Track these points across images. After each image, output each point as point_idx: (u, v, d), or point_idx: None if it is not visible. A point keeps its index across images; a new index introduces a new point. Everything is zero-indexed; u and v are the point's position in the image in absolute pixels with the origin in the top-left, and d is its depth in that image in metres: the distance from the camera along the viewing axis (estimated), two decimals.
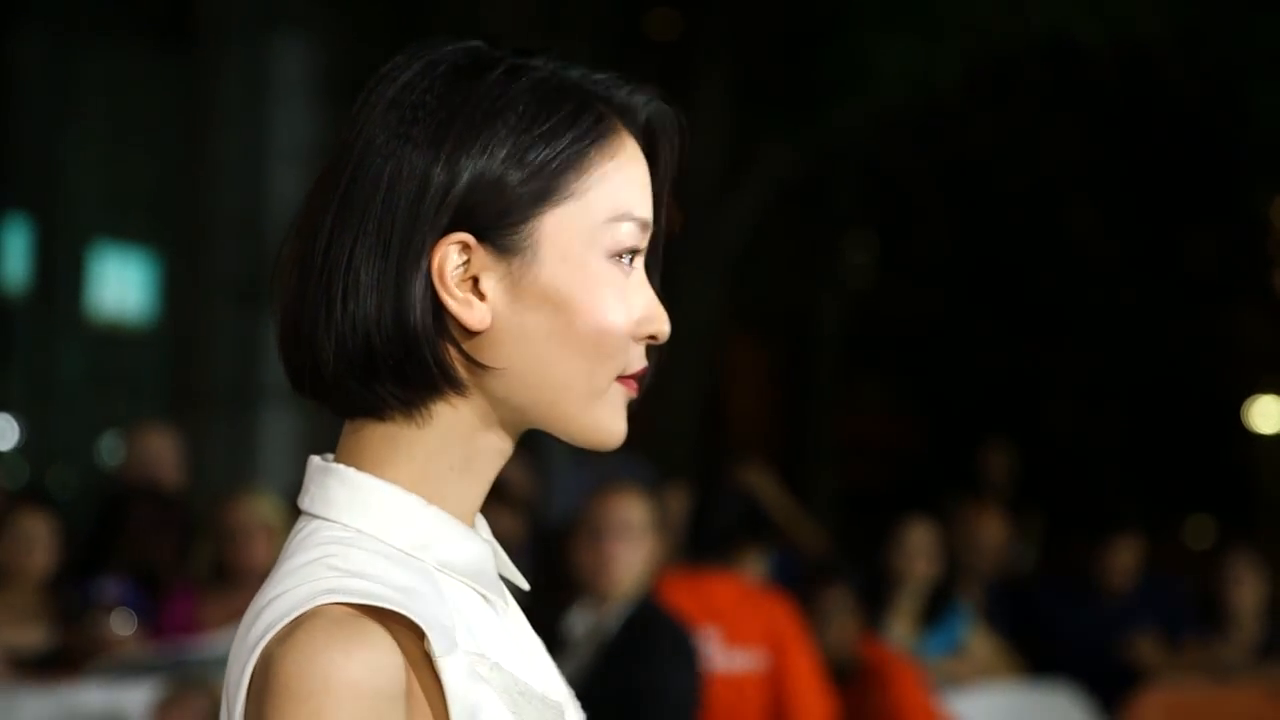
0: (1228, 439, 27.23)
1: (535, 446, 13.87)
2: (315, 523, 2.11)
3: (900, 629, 8.93)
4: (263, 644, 1.97)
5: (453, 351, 2.10)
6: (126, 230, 24.01)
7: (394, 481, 2.12)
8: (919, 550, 9.12)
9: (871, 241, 24.77)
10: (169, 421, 11.60)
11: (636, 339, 2.16)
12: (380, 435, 2.13)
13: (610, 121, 2.14)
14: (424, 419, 2.12)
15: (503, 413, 2.14)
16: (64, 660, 8.06)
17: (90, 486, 14.15)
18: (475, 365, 2.11)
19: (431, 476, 2.13)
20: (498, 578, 2.22)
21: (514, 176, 2.08)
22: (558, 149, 2.09)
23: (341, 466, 2.14)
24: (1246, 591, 9.95)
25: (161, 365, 20.52)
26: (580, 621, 7.05)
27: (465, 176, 2.07)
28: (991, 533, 10.59)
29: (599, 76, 2.16)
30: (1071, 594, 10.22)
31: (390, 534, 2.09)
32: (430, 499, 2.12)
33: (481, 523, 2.22)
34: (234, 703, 2.01)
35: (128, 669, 7.79)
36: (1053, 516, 13.44)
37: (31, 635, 7.88)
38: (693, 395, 15.57)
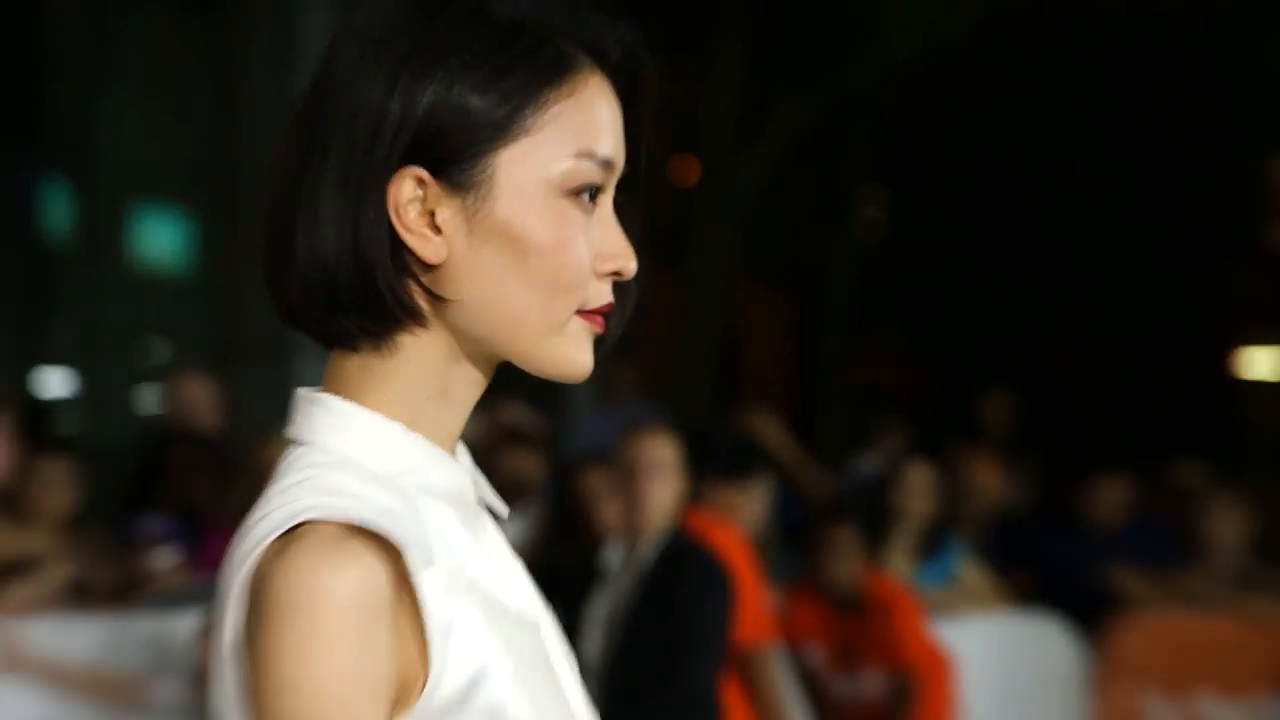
0: (1219, 386, 27.23)
1: (558, 394, 14.02)
2: (301, 449, 2.15)
3: (898, 562, 9.17)
4: (250, 559, 2.00)
5: (411, 285, 2.11)
6: (164, 189, 24.00)
7: (375, 409, 2.15)
8: (918, 490, 9.35)
9: (882, 196, 24.52)
10: (207, 370, 11.72)
11: (598, 274, 2.15)
12: (358, 366, 2.16)
13: (572, 59, 2.12)
14: (393, 350, 2.14)
15: (467, 345, 2.15)
16: (113, 592, 8.23)
17: (135, 432, 14.35)
18: (434, 298, 2.12)
19: (409, 405, 2.15)
20: (475, 502, 2.25)
21: (469, 112, 2.08)
22: (513, 85, 2.08)
23: (325, 395, 2.17)
24: (1226, 527, 10.13)
25: (200, 317, 20.67)
26: (616, 555, 7.22)
27: (420, 111, 2.07)
28: (988, 475, 10.80)
29: (570, 16, 2.14)
30: (1061, 529, 10.40)
31: (371, 458, 2.12)
32: (410, 426, 2.15)
33: (462, 450, 2.25)
34: (223, 615, 2.04)
35: (172, 599, 7.97)
36: (1049, 458, 13.52)
37: (60, 571, 7.95)
38: (709, 347, 15.62)
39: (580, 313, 2.13)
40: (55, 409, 22.01)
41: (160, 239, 24.40)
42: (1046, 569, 10.17)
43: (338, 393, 2.16)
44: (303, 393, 2.19)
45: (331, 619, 1.93)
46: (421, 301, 2.11)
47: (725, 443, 8.69)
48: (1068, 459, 11.11)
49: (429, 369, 2.15)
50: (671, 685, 6.87)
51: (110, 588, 8.32)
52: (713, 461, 8.21)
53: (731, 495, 8.22)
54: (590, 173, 2.11)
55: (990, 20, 13.21)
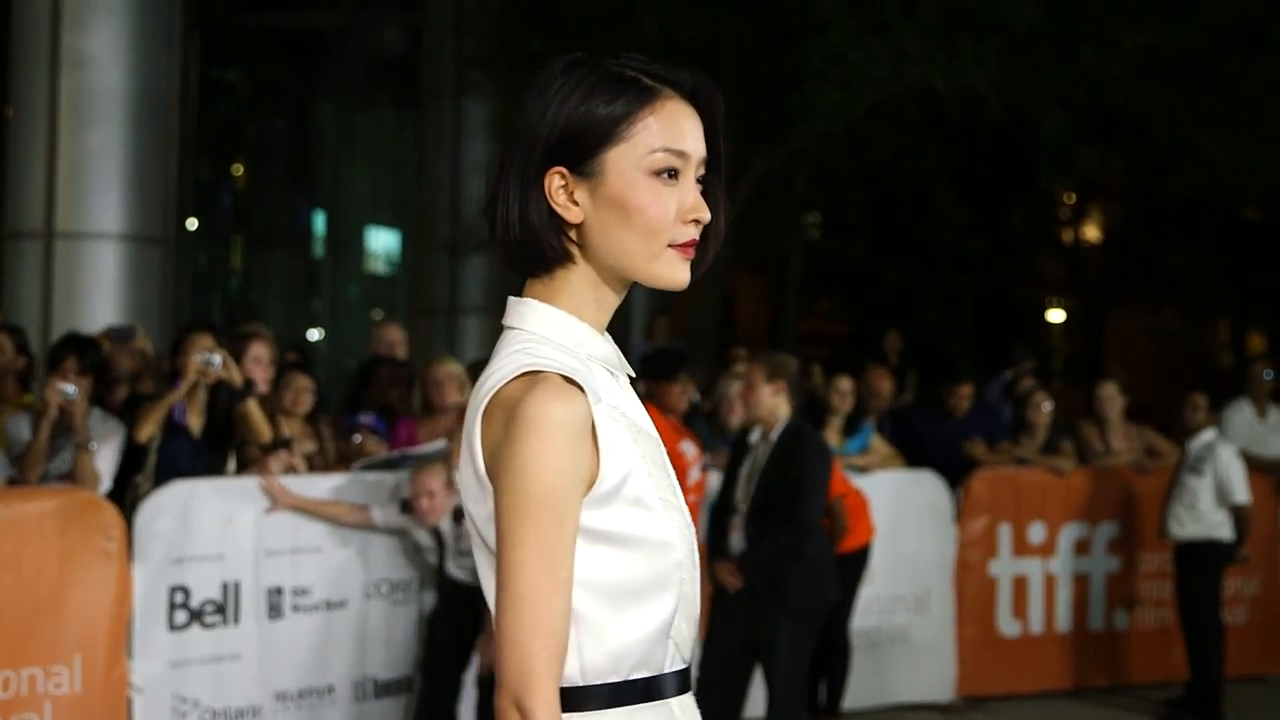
0: (1034, 328, 27.19)
1: (621, 331, 14.10)
2: (513, 332, 2.23)
3: (831, 437, 8.85)
4: (490, 394, 2.11)
5: (563, 238, 2.21)
6: (382, 217, 24.08)
7: (557, 307, 2.23)
8: (843, 392, 9.05)
9: (819, 215, 24.61)
10: (403, 324, 11.52)
11: (683, 222, 2.20)
12: (543, 286, 2.24)
13: (655, 90, 2.19)
14: (562, 277, 2.23)
15: (603, 272, 2.23)
16: (341, 459, 8.12)
17: (357, 362, 14.19)
18: (579, 245, 2.22)
19: (578, 307, 2.23)
20: (621, 363, 2.30)
21: (588, 129, 2.16)
22: (615, 110, 2.16)
23: (529, 299, 2.25)
24: (1039, 412, 9.84)
25: (404, 293, 20.65)
26: (756, 434, 7.13)
27: (559, 130, 2.17)
28: (886, 385, 10.50)
29: (659, 64, 2.23)
30: (933, 417, 10.04)
31: (559, 335, 2.21)
32: (580, 318, 2.24)
33: (608, 335, 2.30)
34: (472, 431, 2.14)
35: (379, 463, 7.82)
36: (924, 373, 13.30)
37: (306, 446, 7.86)
38: (712, 308, 15.30)
39: (672, 246, 2.21)
40: (313, 348, 22.14)
41: (379, 247, 24.47)
42: (925, 443, 9.77)
43: (533, 298, 2.25)
44: (513, 299, 2.27)
45: (559, 433, 2.05)
46: (571, 248, 2.22)
47: (662, 356, 8.42)
48: (937, 373, 10.75)
49: (583, 287, 2.23)
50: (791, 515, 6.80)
51: (337, 457, 8.19)
52: (653, 368, 8.12)
53: (665, 389, 7.97)
54: (667, 160, 2.19)
55: (880, 106, 13.02)
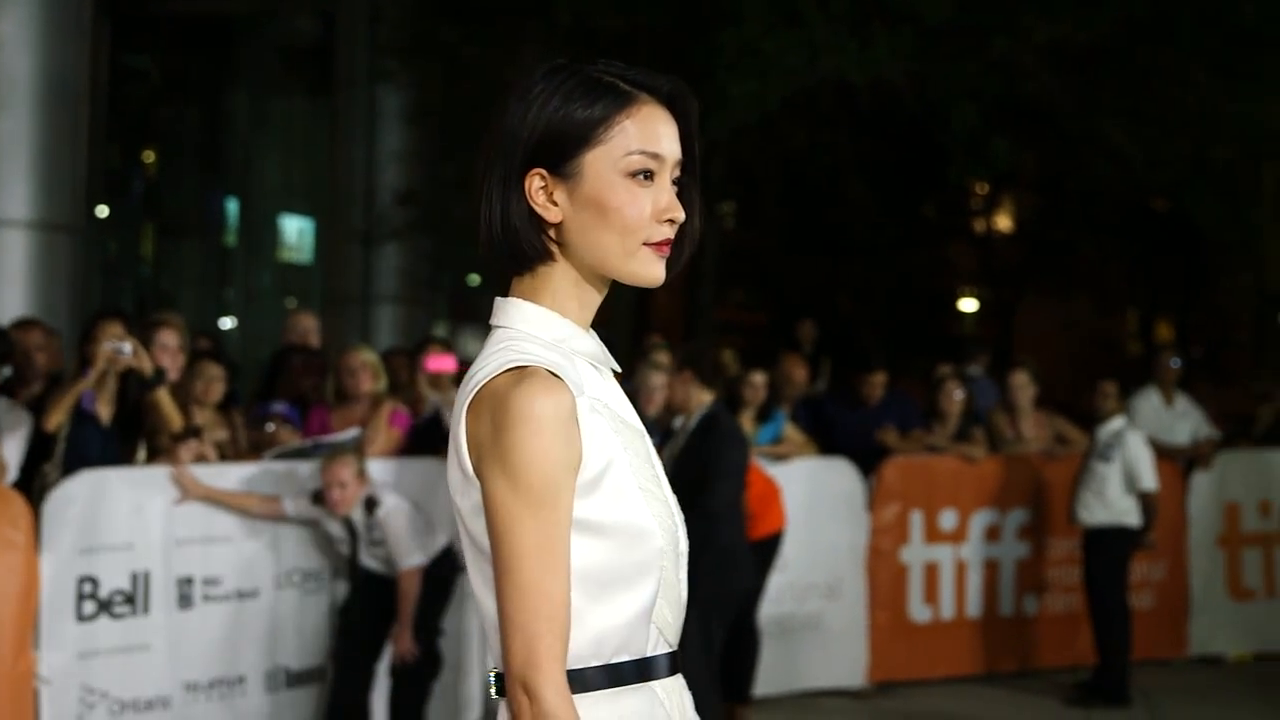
0: (945, 317, 27.40)
1: None
2: (500, 331, 2.29)
3: (745, 426, 8.87)
4: (476, 389, 2.17)
5: (544, 238, 2.28)
6: (295, 205, 23.93)
7: (541, 305, 2.30)
8: (755, 385, 9.07)
9: (734, 205, 24.63)
10: (317, 313, 11.44)
11: (658, 221, 2.26)
12: (526, 284, 2.31)
13: (631, 95, 2.26)
14: (544, 275, 2.30)
15: (583, 270, 2.29)
16: (254, 448, 8.05)
17: (269, 351, 14.10)
18: (559, 244, 2.28)
19: (560, 304, 2.30)
20: (606, 358, 2.37)
21: (567, 132, 2.23)
22: (593, 114, 2.23)
23: (514, 299, 2.31)
24: (951, 402, 9.91)
25: (318, 282, 20.50)
26: (679, 422, 7.36)
27: (539, 133, 2.24)
28: (799, 373, 10.55)
29: (635, 70, 2.30)
30: (846, 405, 10.11)
31: (543, 331, 2.27)
32: (563, 315, 2.30)
33: (592, 332, 2.37)
34: (457, 427, 2.20)
35: (292, 452, 7.79)
36: (837, 361, 13.34)
37: (217, 435, 7.79)
38: (628, 299, 15.36)
39: (647, 245, 2.27)
40: (226, 337, 21.98)
41: (292, 235, 24.33)
42: (838, 431, 9.83)
43: (518, 297, 2.32)
44: (499, 299, 2.33)
45: (549, 424, 2.12)
46: (551, 246, 2.29)
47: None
48: (849, 362, 10.82)
49: (565, 284, 2.29)
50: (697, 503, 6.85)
51: (249, 446, 8.10)
52: None
53: None
54: (643, 162, 2.25)
55: (794, 97, 13.05)
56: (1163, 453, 9.91)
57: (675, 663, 2.32)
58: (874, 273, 23.41)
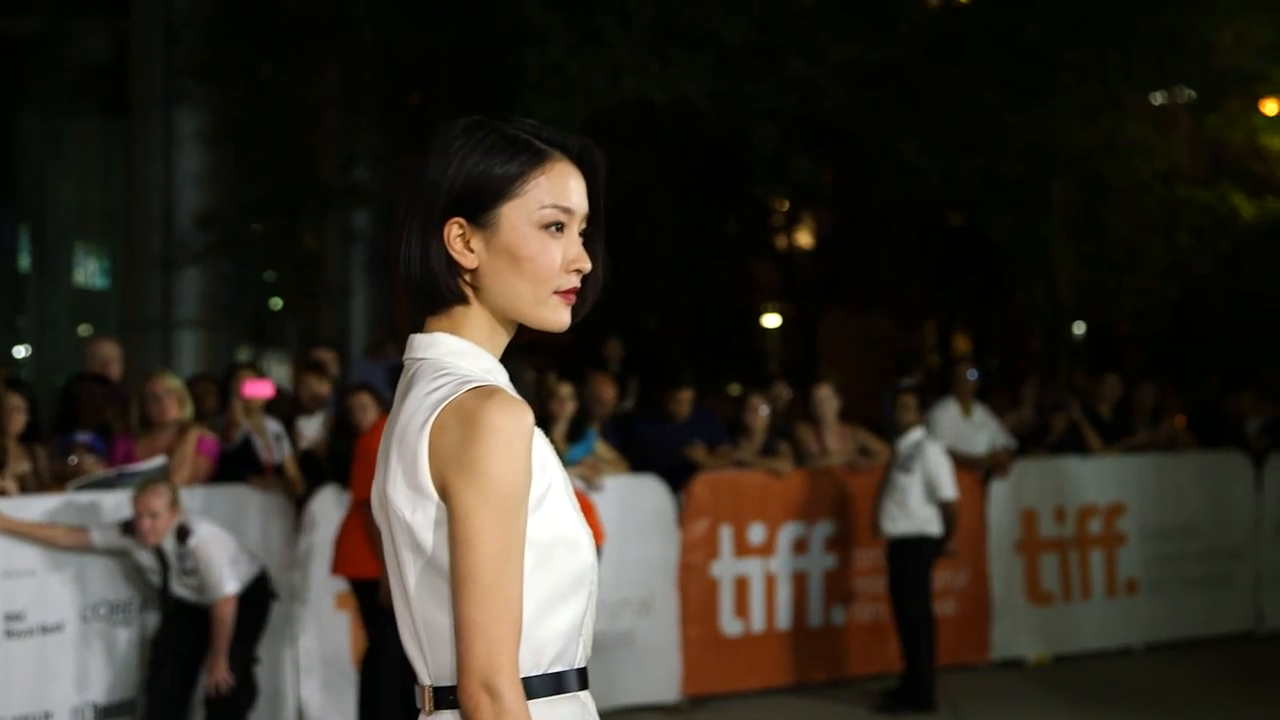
0: (747, 333, 27.73)
1: (346, 347, 13.93)
2: (426, 363, 2.42)
3: (556, 444, 8.87)
4: (440, 406, 2.30)
5: (459, 281, 2.42)
6: (91, 230, 23.50)
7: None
8: (562, 398, 9.11)
9: None
10: (116, 339, 11.23)
11: (567, 271, 2.42)
12: (444, 323, 2.44)
13: (545, 153, 2.42)
14: (460, 315, 2.44)
15: (496, 313, 2.44)
16: (57, 479, 7.91)
17: (67, 378, 13.79)
18: (474, 288, 2.43)
19: (479, 342, 2.43)
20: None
21: (485, 186, 2.39)
22: (510, 170, 2.40)
23: (437, 333, 2.44)
24: (757, 418, 10.05)
25: (115, 308, 20.11)
26: None
27: (459, 186, 2.39)
28: (608, 390, 10.55)
29: (549, 130, 2.46)
30: (654, 422, 10.19)
31: (473, 363, 2.40)
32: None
33: (502, 367, 2.48)
34: (416, 444, 2.31)
35: (96, 482, 7.71)
36: (645, 379, 13.45)
37: (20, 466, 7.66)
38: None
39: (556, 293, 2.43)
40: (21, 365, 21.47)
41: (88, 260, 23.87)
42: (647, 447, 9.90)
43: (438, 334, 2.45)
44: (421, 336, 2.46)
45: (517, 439, 2.26)
46: (466, 290, 2.43)
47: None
48: (657, 379, 10.93)
49: (479, 324, 2.43)
50: None
51: (52, 477, 7.98)
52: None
53: None
54: (555, 215, 2.41)
55: (596, 117, 13.16)
56: (961, 462, 10.17)
57: (587, 676, 2.47)
58: (679, 290, 23.56)
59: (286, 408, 9.63)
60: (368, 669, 7.55)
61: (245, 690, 7.39)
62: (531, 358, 17.19)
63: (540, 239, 2.40)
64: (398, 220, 2.46)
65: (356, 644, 8.16)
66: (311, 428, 9.26)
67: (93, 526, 7.33)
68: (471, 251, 2.40)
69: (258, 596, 7.41)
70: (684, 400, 10.10)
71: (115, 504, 7.38)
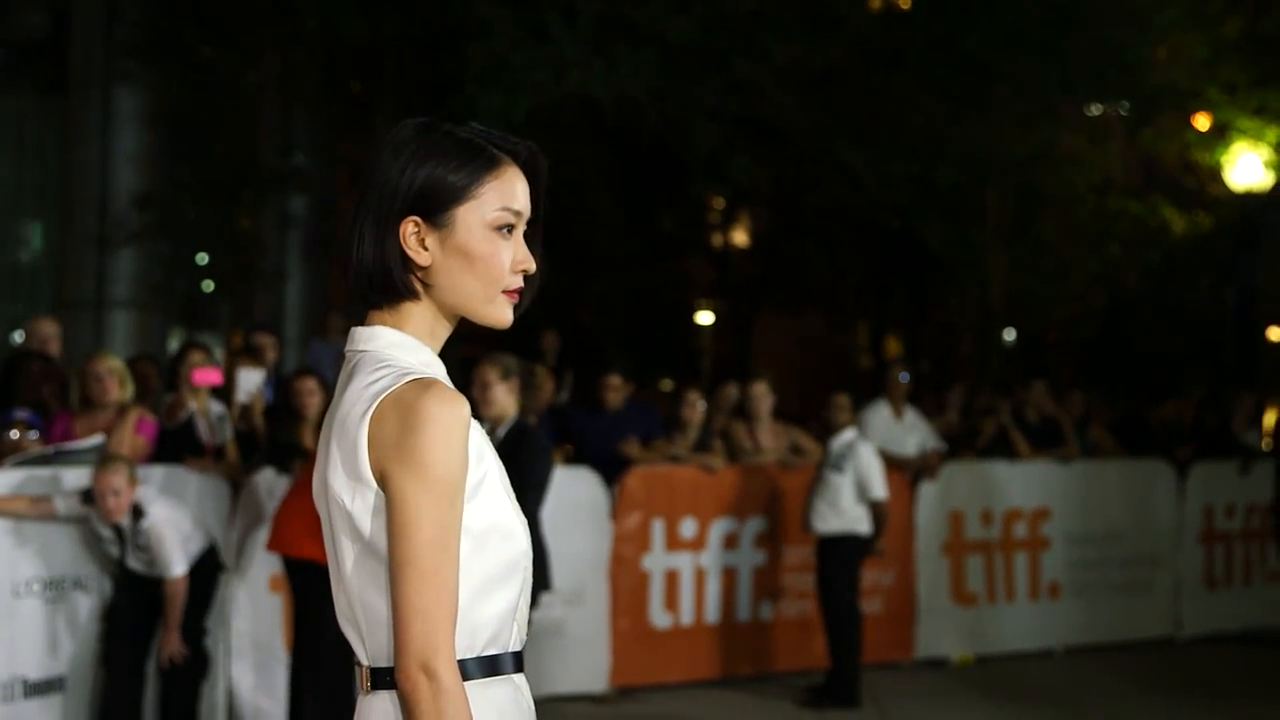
0: (684, 330, 27.83)
1: (284, 328, 13.94)
2: (367, 355, 2.51)
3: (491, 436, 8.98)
4: (380, 397, 2.38)
5: (411, 277, 2.51)
6: (25, 206, 23.34)
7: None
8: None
9: None
10: (54, 317, 11.23)
11: (514, 272, 2.52)
12: (388, 317, 2.53)
13: (498, 158, 2.52)
14: (407, 310, 2.52)
15: (443, 309, 2.53)
16: None
17: (7, 356, 13.72)
18: (425, 284, 2.52)
19: (420, 336, 2.52)
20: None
21: (442, 187, 2.49)
22: (464, 173, 2.49)
23: (378, 326, 2.53)
24: (692, 412, 10.16)
25: (51, 285, 19.98)
26: (486, 429, 7.24)
27: (416, 186, 2.48)
28: (546, 385, 10.66)
29: (499, 134, 2.57)
30: (589, 415, 10.25)
31: (412, 356, 2.49)
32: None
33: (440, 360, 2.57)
34: (355, 433, 2.39)
35: (34, 459, 7.77)
36: (580, 373, 13.48)
37: None
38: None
39: (504, 292, 2.53)
40: None
41: (21, 240, 23.73)
42: (582, 441, 9.99)
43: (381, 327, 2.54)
44: (362, 329, 2.55)
45: (456, 429, 2.34)
46: (418, 286, 2.52)
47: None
48: (592, 373, 11.01)
49: (423, 320, 2.52)
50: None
51: None
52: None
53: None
54: (507, 218, 2.52)
55: (541, 110, 13.25)
56: (892, 463, 10.34)
57: (522, 660, 2.55)
58: (615, 285, 23.65)
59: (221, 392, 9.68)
60: (301, 652, 7.62)
61: (198, 661, 7.61)
62: (467, 348, 17.26)
63: (492, 240, 2.49)
64: (349, 214, 2.53)
65: (288, 627, 8.23)
66: (252, 380, 9.26)
67: (55, 495, 7.43)
68: (426, 250, 2.48)
69: (207, 569, 7.57)
70: (614, 387, 10.13)
71: (47, 480, 7.45)
